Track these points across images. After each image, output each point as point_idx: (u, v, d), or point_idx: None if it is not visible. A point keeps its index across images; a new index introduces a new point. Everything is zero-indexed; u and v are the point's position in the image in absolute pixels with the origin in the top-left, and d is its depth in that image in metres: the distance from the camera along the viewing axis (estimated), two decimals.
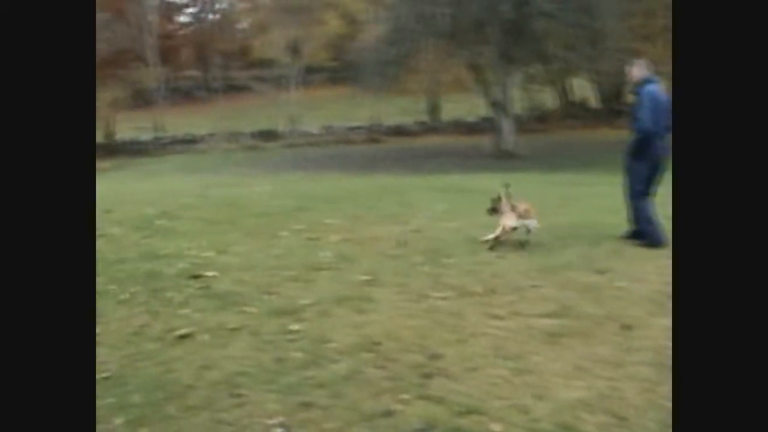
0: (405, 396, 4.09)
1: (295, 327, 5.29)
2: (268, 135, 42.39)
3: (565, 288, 6.26)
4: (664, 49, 29.65)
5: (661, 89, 7.93)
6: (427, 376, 4.38)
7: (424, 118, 45.57)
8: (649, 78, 7.97)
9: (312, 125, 44.10)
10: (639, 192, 8.07)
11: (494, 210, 8.34)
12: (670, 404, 3.91)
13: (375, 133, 42.60)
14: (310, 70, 50.73)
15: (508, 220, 7.98)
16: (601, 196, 12.89)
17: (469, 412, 3.88)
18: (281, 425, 3.76)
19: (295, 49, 48.48)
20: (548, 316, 5.50)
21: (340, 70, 56.36)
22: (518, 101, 38.37)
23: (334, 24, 52.76)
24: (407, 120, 44.54)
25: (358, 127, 43.34)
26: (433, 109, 46.05)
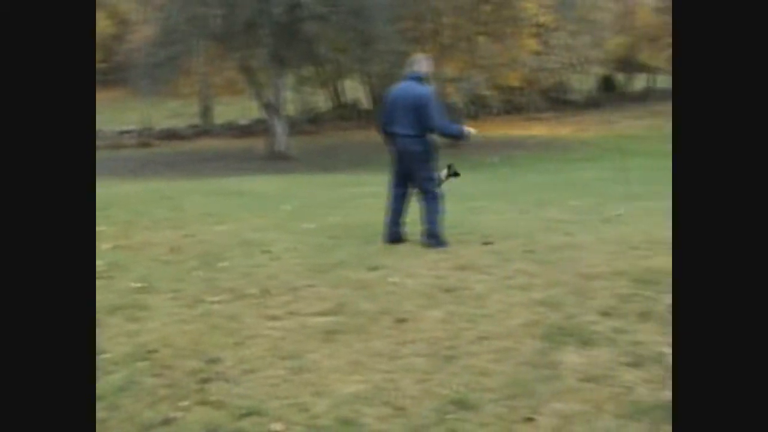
0: (184, 403, 4.04)
1: None
2: None
3: (339, 286, 6.37)
4: (432, 51, 30.78)
5: (404, 87, 8.17)
6: (206, 381, 4.34)
7: (197, 121, 44.82)
8: (409, 75, 8.25)
9: None
10: (392, 184, 8.37)
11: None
12: (446, 392, 4.11)
13: (146, 137, 41.38)
14: None
15: None
16: (372, 196, 13.19)
17: (250, 413, 3.88)
18: None
19: None
20: (324, 314, 5.59)
21: (109, 72, 54.48)
22: (291, 103, 38.55)
23: (102, 24, 50.96)
24: (179, 123, 43.62)
25: (129, 131, 41.94)
26: (206, 112, 45.41)
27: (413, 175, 8.13)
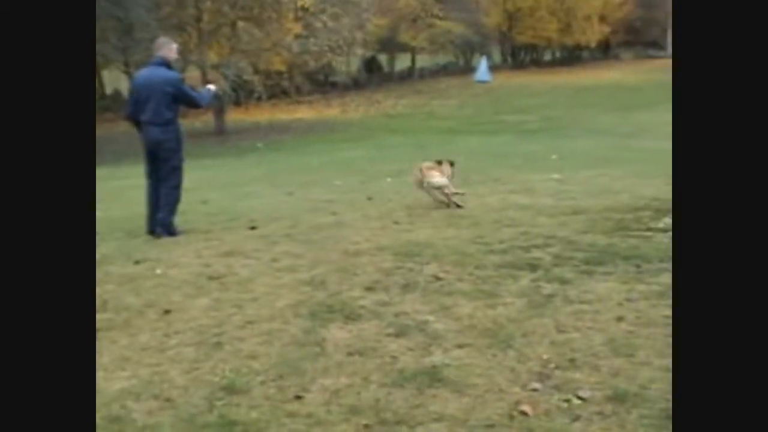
0: None
1: None
2: None
3: (104, 282, 6.22)
4: (194, 38, 30.20)
5: (150, 74, 7.99)
6: None
7: None
8: (156, 61, 8.06)
9: None
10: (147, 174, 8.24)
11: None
12: (216, 379, 4.13)
13: None
14: None
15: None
16: (135, 188, 12.84)
17: None
18: None
19: None
20: None
21: None
22: None
23: None
24: None
25: None
26: None
27: (160, 164, 8.00)
